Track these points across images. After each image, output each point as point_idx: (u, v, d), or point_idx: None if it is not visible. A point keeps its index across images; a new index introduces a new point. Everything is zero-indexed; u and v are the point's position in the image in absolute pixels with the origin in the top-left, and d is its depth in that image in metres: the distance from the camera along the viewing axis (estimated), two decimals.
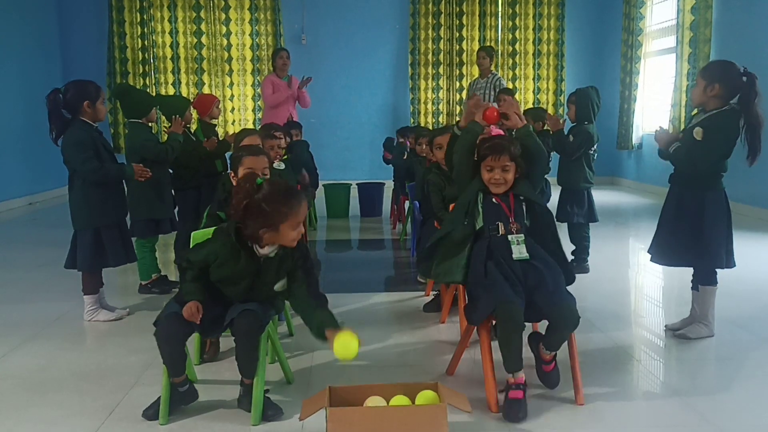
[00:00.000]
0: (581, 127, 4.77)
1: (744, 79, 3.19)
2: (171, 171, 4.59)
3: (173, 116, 4.51)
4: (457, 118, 10.10)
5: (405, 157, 6.51)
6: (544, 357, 2.78)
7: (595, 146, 4.82)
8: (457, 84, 10.32)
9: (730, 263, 3.36)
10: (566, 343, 2.73)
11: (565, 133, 4.90)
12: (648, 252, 3.56)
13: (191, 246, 2.80)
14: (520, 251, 2.74)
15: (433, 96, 10.35)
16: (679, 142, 3.34)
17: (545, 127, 5.77)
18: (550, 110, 10.17)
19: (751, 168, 3.30)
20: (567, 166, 4.83)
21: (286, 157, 4.91)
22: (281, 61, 7.69)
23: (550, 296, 2.64)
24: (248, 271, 2.57)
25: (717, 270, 3.40)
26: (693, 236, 3.31)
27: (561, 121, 4.97)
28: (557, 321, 2.64)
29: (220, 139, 5.00)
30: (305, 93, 7.76)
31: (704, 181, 3.31)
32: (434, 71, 10.30)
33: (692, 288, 3.51)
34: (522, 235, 2.77)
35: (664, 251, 3.46)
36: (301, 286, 2.61)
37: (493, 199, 2.83)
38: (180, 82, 10.11)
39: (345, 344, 2.34)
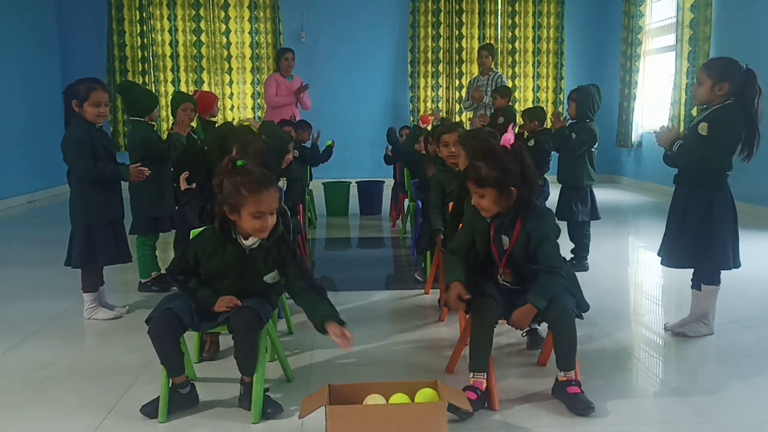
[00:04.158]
0: (584, 124, 4.76)
1: (745, 75, 3.18)
2: (172, 169, 4.57)
3: (176, 116, 4.52)
4: (457, 117, 10.12)
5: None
6: (560, 378, 2.68)
7: (596, 144, 4.82)
8: (457, 82, 10.32)
9: (736, 263, 3.35)
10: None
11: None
12: (658, 255, 3.52)
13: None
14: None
15: (433, 94, 10.34)
16: (682, 140, 3.32)
17: (546, 126, 5.76)
18: (550, 109, 10.15)
19: (750, 166, 3.30)
20: (570, 164, 4.80)
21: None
22: (286, 62, 7.70)
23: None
24: (235, 263, 2.59)
25: (721, 270, 3.39)
26: (702, 237, 3.28)
27: (562, 117, 4.96)
28: (551, 320, 2.63)
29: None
30: (305, 97, 7.76)
31: (711, 181, 3.28)
32: (434, 69, 10.29)
33: (692, 287, 3.50)
34: (510, 281, 2.75)
35: (674, 253, 3.42)
36: (299, 282, 2.62)
37: (492, 249, 2.71)
38: (179, 81, 10.10)
39: None
